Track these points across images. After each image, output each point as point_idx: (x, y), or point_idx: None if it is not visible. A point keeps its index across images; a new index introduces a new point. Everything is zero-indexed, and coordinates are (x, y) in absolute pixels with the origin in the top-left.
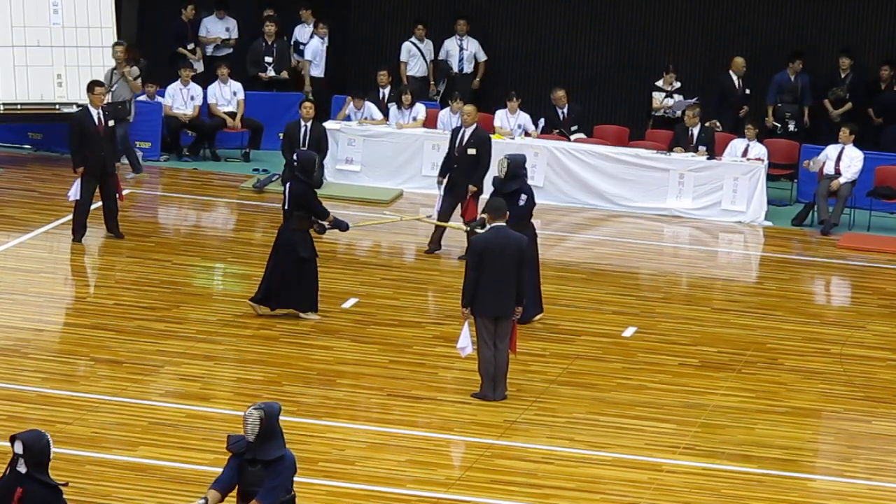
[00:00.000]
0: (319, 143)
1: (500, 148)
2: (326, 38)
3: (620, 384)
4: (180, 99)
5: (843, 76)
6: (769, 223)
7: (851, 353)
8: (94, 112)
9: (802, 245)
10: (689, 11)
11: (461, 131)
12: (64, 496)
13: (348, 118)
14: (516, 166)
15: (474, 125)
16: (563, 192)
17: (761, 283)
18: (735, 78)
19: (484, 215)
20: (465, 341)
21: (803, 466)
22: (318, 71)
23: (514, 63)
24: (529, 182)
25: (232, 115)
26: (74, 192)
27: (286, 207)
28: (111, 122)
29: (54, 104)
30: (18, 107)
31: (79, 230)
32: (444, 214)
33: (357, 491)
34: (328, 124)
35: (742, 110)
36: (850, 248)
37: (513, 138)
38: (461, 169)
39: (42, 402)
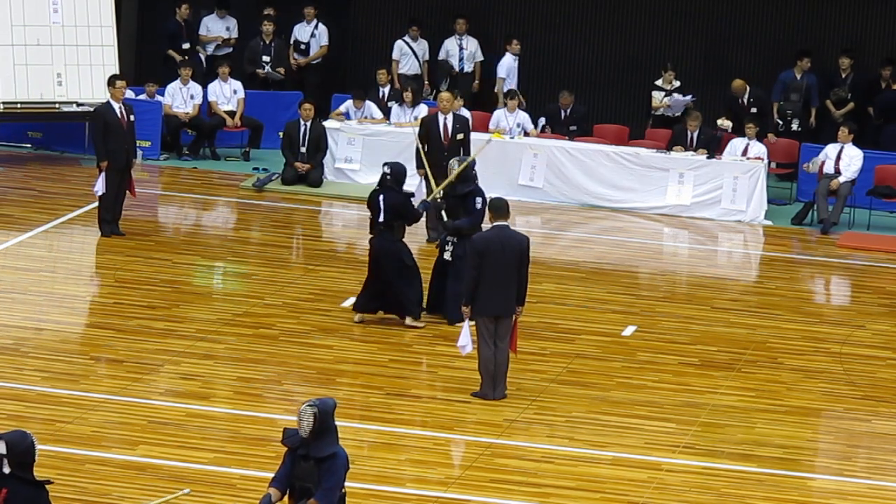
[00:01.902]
0: (319, 142)
1: (500, 147)
2: (518, 56)
3: (620, 383)
4: (180, 98)
5: (843, 76)
6: (769, 222)
7: (851, 352)
8: (115, 106)
9: (802, 244)
10: (690, 10)
11: (441, 119)
12: (49, 494)
13: (347, 116)
14: (467, 168)
15: (451, 111)
16: (562, 192)
17: (761, 282)
18: (739, 98)
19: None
20: (466, 340)
21: (803, 465)
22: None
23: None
24: (529, 182)
25: (232, 113)
26: (100, 186)
27: (382, 219)
28: (132, 117)
29: (54, 103)
30: (18, 106)
31: (105, 225)
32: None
33: (357, 490)
34: (328, 123)
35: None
36: (849, 247)
37: (512, 137)
38: (452, 155)
39: (42, 400)
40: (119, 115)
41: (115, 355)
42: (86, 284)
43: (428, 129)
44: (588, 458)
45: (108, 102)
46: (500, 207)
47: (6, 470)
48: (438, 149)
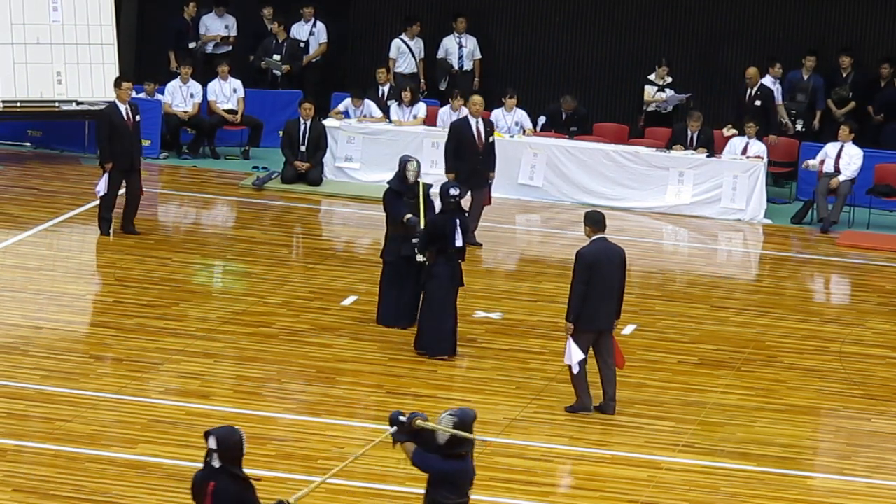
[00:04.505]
0: (318, 140)
1: (500, 146)
2: (778, 83)
3: (619, 382)
4: (180, 96)
5: (844, 75)
6: (769, 221)
7: (851, 351)
8: (121, 107)
9: (802, 243)
10: (688, 9)
11: (473, 123)
12: (255, 491)
13: (346, 115)
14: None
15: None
16: (562, 191)
17: (761, 280)
18: (748, 89)
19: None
20: (577, 354)
21: (802, 464)
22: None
23: (512, 61)
24: (529, 181)
25: (231, 112)
26: (102, 187)
27: (460, 244)
28: (138, 117)
29: (54, 102)
30: (18, 104)
31: (105, 224)
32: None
33: (356, 488)
34: (327, 122)
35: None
36: (849, 246)
37: (511, 136)
38: (485, 159)
39: (42, 399)
40: (125, 116)
41: (115, 354)
42: (85, 283)
43: (459, 135)
44: (588, 457)
45: (113, 103)
46: (598, 221)
47: (216, 464)
48: (473, 153)
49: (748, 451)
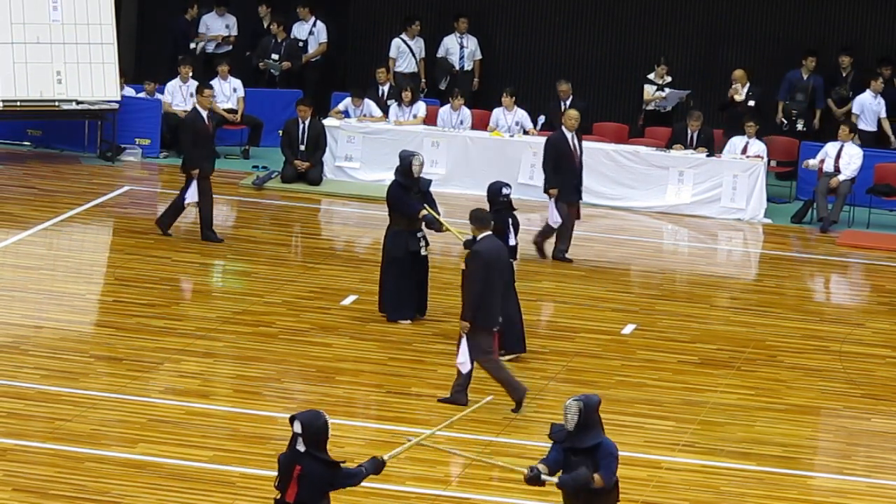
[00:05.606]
0: (318, 140)
1: (499, 145)
2: (880, 97)
3: (619, 381)
4: (179, 96)
5: (844, 75)
6: (768, 220)
7: (851, 351)
8: (203, 113)
9: (802, 242)
10: (688, 8)
11: (570, 137)
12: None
13: (346, 114)
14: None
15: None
16: None
17: (760, 280)
18: (739, 88)
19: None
20: (468, 355)
21: (802, 464)
22: (869, 124)
23: (512, 61)
24: (529, 181)
25: (231, 111)
26: (192, 195)
27: (514, 243)
28: (213, 123)
29: (54, 101)
30: (18, 104)
31: (211, 233)
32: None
33: (357, 488)
34: (327, 122)
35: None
36: (849, 246)
37: (512, 136)
38: (580, 173)
39: (41, 398)
40: (206, 122)
41: (114, 353)
42: (85, 282)
43: (558, 150)
44: None
45: (195, 110)
46: (483, 218)
47: (301, 448)
48: (571, 168)
49: (748, 451)
